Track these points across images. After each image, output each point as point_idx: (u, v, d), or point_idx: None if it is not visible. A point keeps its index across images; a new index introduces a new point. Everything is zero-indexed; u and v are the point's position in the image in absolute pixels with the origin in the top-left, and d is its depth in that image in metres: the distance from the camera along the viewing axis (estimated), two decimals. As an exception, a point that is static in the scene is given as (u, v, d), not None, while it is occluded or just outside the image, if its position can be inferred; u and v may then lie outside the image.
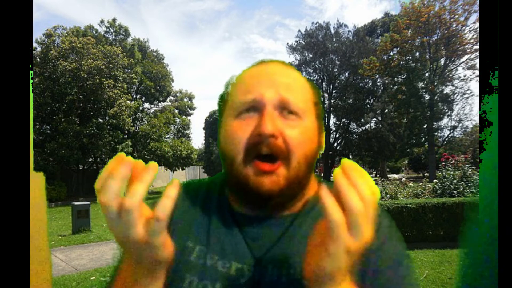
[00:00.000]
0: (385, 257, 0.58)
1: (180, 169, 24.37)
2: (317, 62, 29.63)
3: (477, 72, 21.38)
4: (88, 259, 6.34)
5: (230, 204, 0.67)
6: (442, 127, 27.32)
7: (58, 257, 6.46)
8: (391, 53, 25.37)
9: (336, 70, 29.41)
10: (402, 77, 25.27)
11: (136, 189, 0.43)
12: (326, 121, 28.85)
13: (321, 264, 0.44)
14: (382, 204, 6.13)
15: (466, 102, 25.59)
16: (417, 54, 24.28)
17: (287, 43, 47.10)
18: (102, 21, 23.48)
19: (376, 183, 0.44)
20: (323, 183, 0.50)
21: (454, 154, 8.85)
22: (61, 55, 17.59)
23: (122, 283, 0.54)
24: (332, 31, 29.48)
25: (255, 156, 0.58)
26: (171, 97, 29.10)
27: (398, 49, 24.50)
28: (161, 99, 26.31)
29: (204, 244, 0.62)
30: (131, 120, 20.54)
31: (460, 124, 26.93)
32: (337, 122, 30.62)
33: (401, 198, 7.33)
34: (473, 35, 22.17)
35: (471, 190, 7.02)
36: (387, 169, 37.39)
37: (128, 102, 20.20)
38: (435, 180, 8.18)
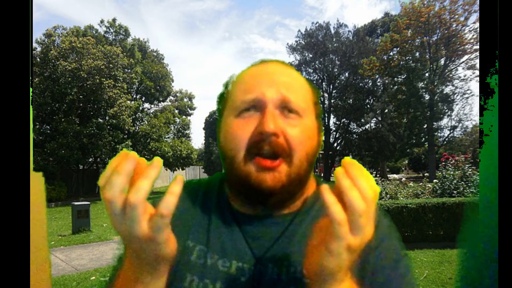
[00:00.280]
0: (384, 256, 0.59)
1: (180, 169, 24.36)
2: (317, 62, 29.65)
3: (477, 72, 21.41)
4: (88, 259, 6.34)
5: (230, 203, 0.67)
6: (442, 127, 27.34)
7: (58, 257, 6.46)
8: (391, 53, 25.38)
9: (336, 70, 29.42)
10: (402, 77, 25.27)
11: (141, 185, 0.43)
12: (326, 121, 28.86)
13: (323, 262, 0.44)
14: (382, 204, 6.13)
15: (466, 102, 25.63)
16: (417, 54, 24.29)
17: (287, 43, 47.19)
18: (102, 21, 23.48)
19: (376, 183, 0.44)
20: (323, 183, 0.50)
21: (454, 154, 8.85)
22: (61, 55, 17.58)
23: (123, 281, 0.54)
24: (332, 31, 29.50)
25: (256, 154, 0.58)
26: (171, 97, 29.09)
27: (398, 49, 24.51)
28: (161, 99, 26.30)
29: (204, 244, 0.63)
30: (131, 120, 20.53)
31: (460, 124, 26.97)
32: (337, 122, 30.63)
33: (401, 198, 7.33)
34: (473, 35, 22.20)
35: (471, 190, 7.01)
36: (387, 169, 37.39)
37: (128, 102, 20.20)
38: (435, 180, 8.17)
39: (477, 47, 21.13)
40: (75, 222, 8.80)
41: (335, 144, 30.44)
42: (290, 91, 0.61)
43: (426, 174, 26.69)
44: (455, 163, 7.75)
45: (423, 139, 27.53)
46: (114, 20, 23.71)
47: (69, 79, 17.40)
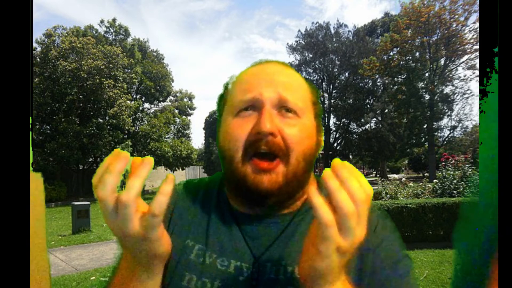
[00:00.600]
0: (383, 256, 0.58)
1: (180, 169, 24.37)
2: (317, 62, 29.67)
3: (477, 72, 21.40)
4: (88, 259, 6.34)
5: (229, 203, 0.67)
6: (442, 127, 27.35)
7: (58, 257, 6.45)
8: (391, 53, 25.38)
9: (336, 70, 29.44)
10: (402, 77, 25.27)
11: (132, 184, 0.44)
12: (326, 121, 28.88)
13: (313, 264, 0.44)
14: (382, 204, 6.13)
15: (466, 102, 25.63)
16: (417, 54, 24.29)
17: (287, 43, 47.21)
18: (102, 21, 23.51)
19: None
20: (317, 182, 0.50)
21: (454, 154, 8.85)
22: (61, 55, 17.59)
23: (120, 279, 0.54)
24: (332, 31, 29.53)
25: (253, 154, 0.58)
26: (171, 97, 29.11)
27: (398, 49, 24.51)
28: (161, 99, 26.32)
29: (204, 243, 0.63)
30: (131, 120, 20.55)
31: (460, 124, 26.97)
32: (337, 122, 30.66)
33: (401, 198, 7.32)
34: (473, 35, 22.20)
35: (471, 190, 7.00)
36: (387, 169, 37.40)
37: (128, 102, 20.22)
38: (435, 180, 8.17)
39: (477, 47, 21.13)
40: (75, 222, 8.80)
41: (335, 144, 30.45)
42: (288, 90, 0.61)
43: (426, 174, 26.65)
44: (455, 163, 7.74)
45: (423, 139, 27.52)
46: (114, 20, 23.73)
47: (69, 79, 17.41)
